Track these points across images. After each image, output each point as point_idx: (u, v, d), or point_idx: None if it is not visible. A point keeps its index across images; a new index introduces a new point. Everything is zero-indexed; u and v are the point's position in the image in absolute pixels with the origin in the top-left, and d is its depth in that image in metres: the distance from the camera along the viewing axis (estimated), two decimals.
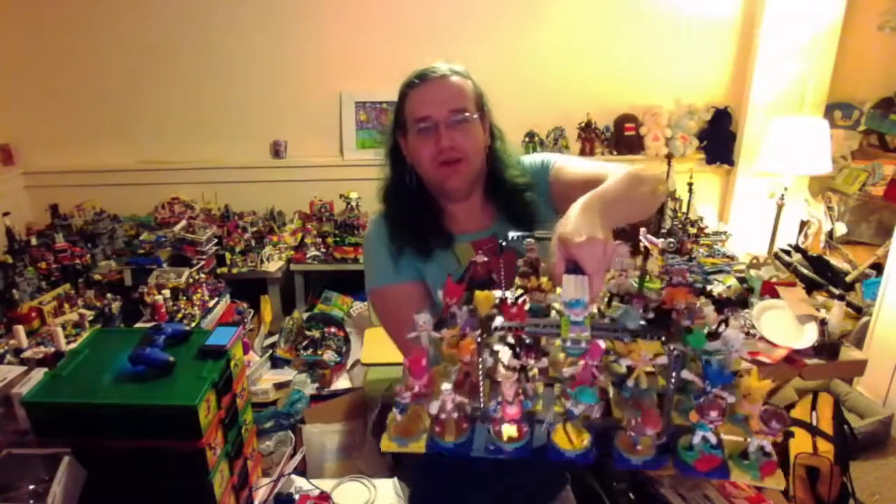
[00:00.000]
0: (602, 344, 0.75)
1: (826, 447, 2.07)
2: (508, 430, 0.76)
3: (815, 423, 2.17)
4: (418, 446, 0.78)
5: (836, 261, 2.95)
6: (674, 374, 0.75)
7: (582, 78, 3.37)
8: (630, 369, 0.80)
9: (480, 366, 0.78)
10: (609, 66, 3.38)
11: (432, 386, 0.77)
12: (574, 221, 0.83)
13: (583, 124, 3.44)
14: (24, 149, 3.24)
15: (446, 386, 0.75)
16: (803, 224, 3.30)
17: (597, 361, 0.74)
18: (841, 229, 3.37)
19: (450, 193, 1.26)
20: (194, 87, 3.24)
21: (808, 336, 2.06)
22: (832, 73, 3.27)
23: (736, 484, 2.04)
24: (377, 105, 3.34)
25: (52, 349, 1.81)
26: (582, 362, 0.75)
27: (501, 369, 0.80)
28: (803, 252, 2.90)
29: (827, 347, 2.05)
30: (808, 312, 2.11)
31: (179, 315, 2.26)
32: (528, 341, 0.81)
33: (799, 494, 2.06)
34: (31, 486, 0.94)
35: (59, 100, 3.21)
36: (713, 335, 0.82)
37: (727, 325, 0.84)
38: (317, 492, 1.34)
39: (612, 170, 1.10)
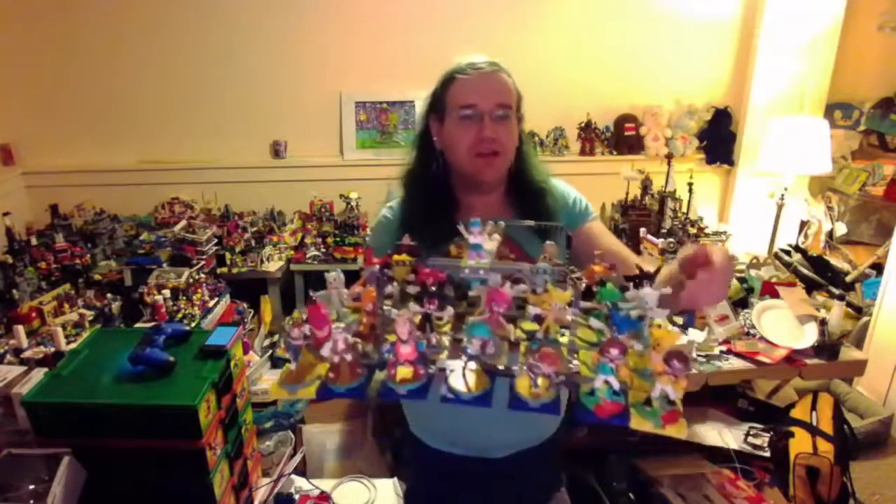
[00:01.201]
0: (508, 292, 0.77)
1: (826, 447, 2.07)
2: (403, 372, 0.77)
3: (815, 423, 2.17)
4: (308, 392, 0.79)
5: (836, 261, 2.95)
6: (576, 305, 0.79)
7: (582, 78, 3.37)
8: (540, 320, 0.81)
9: (382, 311, 0.80)
10: (609, 66, 3.38)
11: (323, 325, 0.78)
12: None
13: (583, 124, 3.44)
14: (24, 149, 3.24)
15: (338, 325, 0.77)
16: (803, 224, 3.30)
17: (502, 309, 0.76)
18: (841, 229, 3.37)
19: (480, 185, 1.26)
20: (194, 87, 3.24)
21: (808, 336, 2.06)
22: (832, 73, 3.27)
23: (736, 484, 2.04)
24: (377, 105, 3.34)
25: (52, 349, 1.80)
26: (487, 311, 0.76)
27: (394, 310, 0.81)
28: (803, 252, 2.90)
29: (827, 347, 2.05)
30: (808, 312, 2.11)
31: (179, 315, 2.26)
32: (432, 289, 0.82)
33: (799, 494, 2.05)
34: (31, 486, 0.94)
35: (59, 100, 3.21)
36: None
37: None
38: (317, 492, 1.34)
39: (635, 258, 1.21)
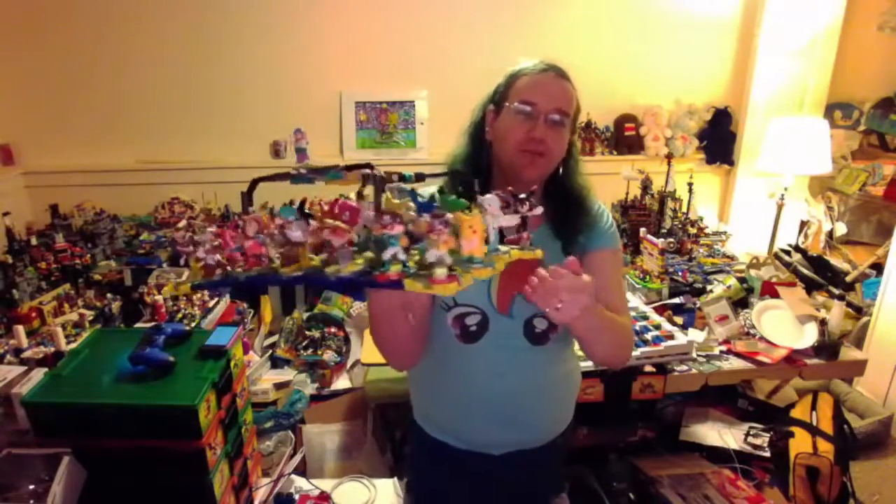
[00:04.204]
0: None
1: (826, 447, 2.07)
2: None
3: (815, 423, 2.17)
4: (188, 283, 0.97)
5: (836, 261, 2.96)
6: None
7: (582, 78, 3.34)
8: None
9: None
10: (609, 66, 3.38)
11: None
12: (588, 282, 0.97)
13: (583, 124, 3.44)
14: (24, 149, 3.24)
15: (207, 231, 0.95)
16: (803, 224, 3.30)
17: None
18: (841, 229, 3.37)
19: (520, 182, 1.23)
20: (194, 87, 3.24)
21: (808, 336, 2.06)
22: (832, 73, 3.27)
23: (736, 484, 2.04)
24: (377, 105, 3.34)
25: (52, 349, 1.80)
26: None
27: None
28: (803, 252, 2.90)
29: (827, 347, 2.05)
30: (808, 312, 2.11)
31: (179, 315, 2.26)
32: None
33: (799, 494, 2.06)
34: (31, 486, 0.94)
35: (59, 100, 3.20)
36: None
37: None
38: (317, 492, 1.34)
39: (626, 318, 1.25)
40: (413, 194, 0.89)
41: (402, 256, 0.80)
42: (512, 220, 0.92)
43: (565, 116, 1.21)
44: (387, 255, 0.80)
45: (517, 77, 1.25)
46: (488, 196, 0.90)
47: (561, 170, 1.27)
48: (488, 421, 1.21)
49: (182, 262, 0.90)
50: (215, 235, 0.97)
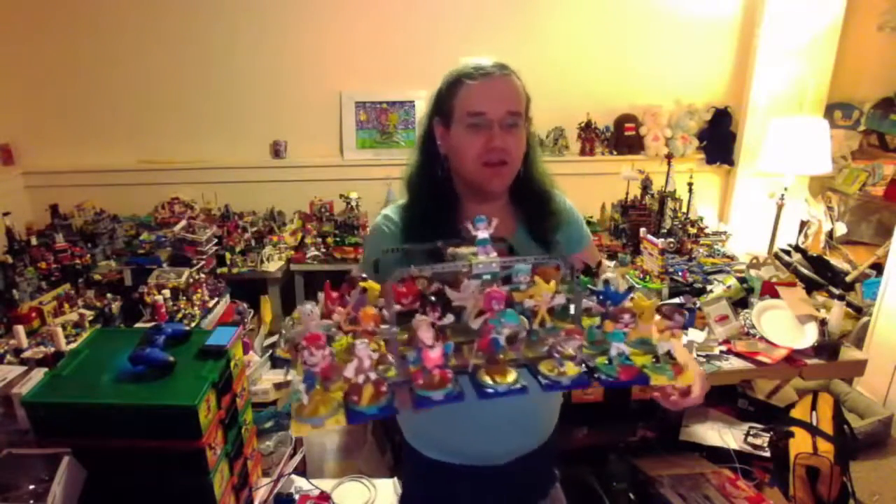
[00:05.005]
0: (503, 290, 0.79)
1: (826, 447, 2.07)
2: (433, 378, 0.76)
3: (815, 423, 2.17)
4: (337, 420, 0.76)
5: (836, 261, 2.95)
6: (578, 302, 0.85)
7: (582, 78, 3.37)
8: (531, 314, 0.85)
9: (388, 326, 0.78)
10: (609, 66, 3.38)
11: (333, 371, 0.77)
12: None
13: (583, 124, 3.44)
14: (24, 149, 3.24)
15: (361, 342, 0.74)
16: (803, 224, 3.30)
17: (501, 306, 0.78)
18: (841, 229, 3.37)
19: (487, 195, 1.22)
20: (194, 88, 3.24)
21: (808, 336, 2.06)
22: (832, 73, 3.27)
23: (736, 484, 2.04)
24: (377, 105, 3.34)
25: (52, 349, 1.80)
26: (487, 313, 0.78)
27: (418, 316, 0.78)
28: (803, 252, 2.90)
29: (827, 347, 2.05)
30: (808, 312, 2.11)
31: (179, 315, 2.26)
32: (431, 299, 0.82)
33: (799, 494, 2.05)
34: (31, 486, 0.94)
35: (59, 100, 3.21)
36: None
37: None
38: (317, 492, 1.34)
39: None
40: (607, 287, 0.88)
41: (627, 351, 0.80)
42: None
43: (518, 116, 1.16)
44: (613, 350, 0.80)
45: (457, 85, 1.17)
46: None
47: (522, 169, 1.22)
48: (488, 433, 1.20)
49: (305, 389, 0.78)
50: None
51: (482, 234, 0.83)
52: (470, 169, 1.17)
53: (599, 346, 0.85)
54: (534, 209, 1.25)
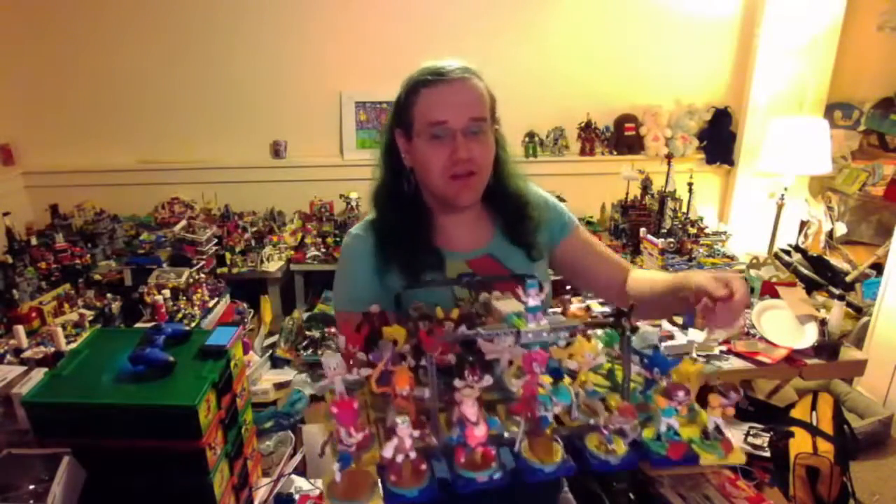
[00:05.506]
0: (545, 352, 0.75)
1: (826, 447, 2.07)
2: (476, 456, 0.71)
3: (815, 423, 2.16)
4: None
5: (836, 261, 2.95)
6: (627, 352, 0.80)
7: (582, 78, 3.37)
8: (572, 374, 0.80)
9: (428, 393, 0.72)
10: (609, 66, 3.38)
11: (366, 441, 0.71)
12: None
13: (583, 124, 3.44)
14: (24, 149, 3.24)
15: (402, 420, 0.68)
16: (803, 224, 3.30)
17: (543, 369, 0.73)
18: (841, 229, 3.37)
19: (458, 208, 1.15)
20: (195, 87, 3.24)
21: (808, 336, 2.06)
22: (832, 73, 3.27)
23: (736, 484, 2.04)
24: (377, 105, 3.34)
25: (52, 349, 1.80)
26: (528, 374, 0.73)
27: (462, 390, 0.72)
28: (803, 252, 2.90)
29: (827, 347, 2.05)
30: (808, 312, 2.11)
31: (179, 315, 2.26)
32: (469, 359, 0.77)
33: (799, 494, 2.05)
34: (31, 486, 0.94)
35: (59, 100, 3.21)
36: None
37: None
38: (317, 492, 1.34)
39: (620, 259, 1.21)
40: (656, 353, 0.84)
41: (677, 426, 0.75)
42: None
43: (482, 122, 1.09)
44: (663, 426, 0.75)
45: (416, 92, 1.10)
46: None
47: (493, 173, 1.16)
48: None
49: (340, 467, 0.70)
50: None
51: (533, 301, 0.76)
52: (437, 183, 1.11)
53: (642, 410, 0.80)
54: (510, 213, 1.20)
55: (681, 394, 0.74)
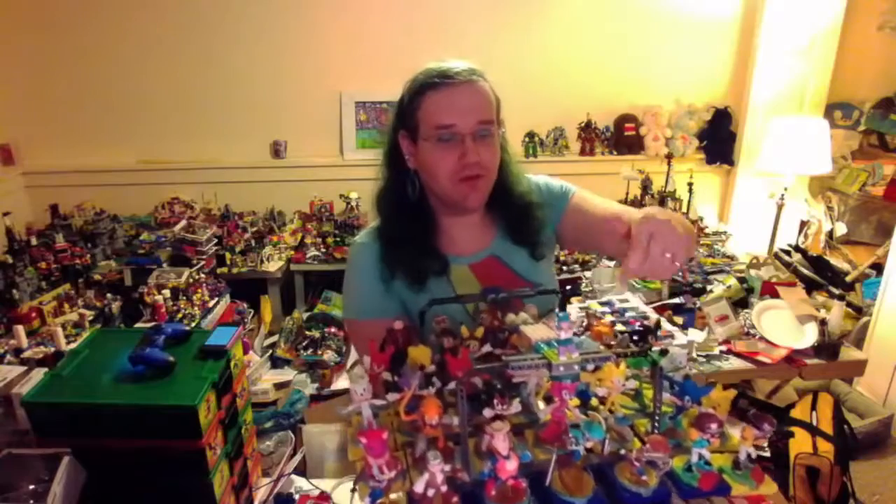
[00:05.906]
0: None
1: (826, 447, 2.07)
2: (507, 490, 0.70)
3: (815, 423, 2.16)
4: None
5: (836, 261, 2.95)
6: (659, 381, 0.77)
7: (582, 78, 3.37)
8: (601, 400, 0.79)
9: (457, 421, 0.70)
10: (609, 66, 3.38)
11: (396, 465, 0.70)
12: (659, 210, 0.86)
13: (583, 124, 3.44)
14: (24, 149, 3.24)
15: (434, 456, 0.66)
16: (803, 224, 3.30)
17: (572, 395, 0.72)
18: (841, 229, 3.37)
19: (465, 210, 1.15)
20: (195, 87, 3.24)
21: (808, 336, 2.06)
22: (832, 73, 3.27)
23: None
24: (377, 105, 3.34)
25: (52, 349, 1.81)
26: (557, 400, 0.72)
27: (493, 423, 0.71)
28: (803, 252, 2.90)
29: (827, 347, 2.05)
30: (808, 312, 2.10)
31: (179, 315, 2.26)
32: (498, 386, 0.76)
33: (799, 494, 2.05)
34: (31, 486, 0.94)
35: (59, 100, 3.21)
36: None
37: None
38: (317, 492, 1.34)
39: (634, 211, 1.06)
40: (687, 381, 0.81)
41: (708, 457, 0.74)
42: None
43: (490, 125, 1.08)
44: (695, 457, 0.74)
45: (421, 96, 1.09)
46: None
47: (497, 176, 1.15)
48: None
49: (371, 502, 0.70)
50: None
51: (565, 334, 0.74)
52: (444, 185, 1.10)
53: (671, 436, 0.78)
54: (514, 214, 1.19)
55: (713, 426, 0.73)
